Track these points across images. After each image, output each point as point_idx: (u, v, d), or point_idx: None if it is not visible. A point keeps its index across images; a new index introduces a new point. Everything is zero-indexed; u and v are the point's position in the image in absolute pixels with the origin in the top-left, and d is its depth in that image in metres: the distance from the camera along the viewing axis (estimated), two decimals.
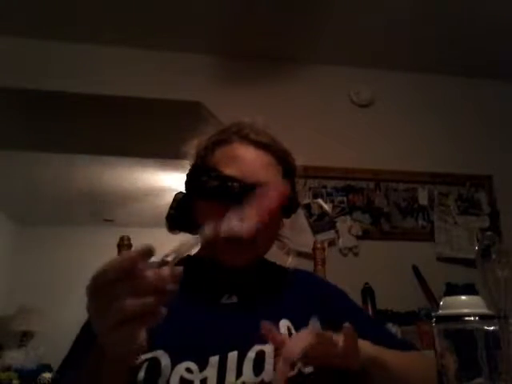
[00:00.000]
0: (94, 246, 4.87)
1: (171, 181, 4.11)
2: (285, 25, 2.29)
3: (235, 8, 2.17)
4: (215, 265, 0.79)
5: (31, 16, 2.20)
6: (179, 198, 0.86)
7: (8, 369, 3.98)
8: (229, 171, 0.76)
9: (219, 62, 2.48)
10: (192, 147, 0.86)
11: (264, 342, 0.69)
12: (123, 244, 1.09)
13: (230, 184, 0.74)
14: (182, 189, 0.89)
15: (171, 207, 0.86)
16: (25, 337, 4.70)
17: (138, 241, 1.05)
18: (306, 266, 0.96)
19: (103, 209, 4.88)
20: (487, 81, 2.67)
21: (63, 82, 2.33)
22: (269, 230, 0.79)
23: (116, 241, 1.09)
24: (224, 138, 0.82)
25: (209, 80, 2.44)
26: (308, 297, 0.83)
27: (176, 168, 3.80)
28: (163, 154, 3.24)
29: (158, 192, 4.40)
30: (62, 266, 4.95)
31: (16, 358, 4.18)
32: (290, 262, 0.88)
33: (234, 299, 0.78)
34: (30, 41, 2.32)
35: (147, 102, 2.43)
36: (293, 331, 0.74)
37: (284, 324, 0.75)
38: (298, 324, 0.74)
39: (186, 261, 0.82)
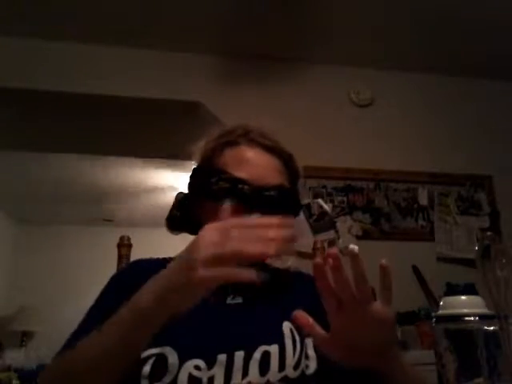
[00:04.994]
0: (93, 245, 4.88)
1: (171, 181, 4.11)
2: (285, 25, 2.29)
3: (235, 8, 2.17)
4: None
5: (31, 16, 2.20)
6: (181, 198, 0.86)
7: (8, 369, 3.97)
8: (238, 173, 0.77)
9: (219, 61, 2.48)
10: (198, 148, 0.87)
11: (269, 342, 0.71)
12: (123, 244, 1.08)
13: (240, 186, 0.76)
14: (183, 188, 0.88)
15: (173, 207, 0.86)
16: (25, 337, 4.70)
17: (138, 241, 1.05)
18: (306, 265, 0.95)
19: (103, 209, 4.88)
20: (487, 81, 2.67)
21: (63, 82, 2.33)
22: None
23: (116, 241, 1.09)
24: (231, 139, 0.83)
25: (209, 80, 2.44)
26: (309, 301, 0.83)
27: (176, 168, 3.81)
28: (163, 153, 3.25)
29: (157, 192, 4.40)
30: (62, 266, 4.95)
31: (16, 358, 4.17)
32: (292, 262, 0.88)
33: (239, 300, 0.79)
34: (30, 41, 2.32)
35: (147, 101, 2.43)
36: (295, 333, 0.75)
37: (287, 326, 0.75)
38: (302, 329, 0.75)
39: None
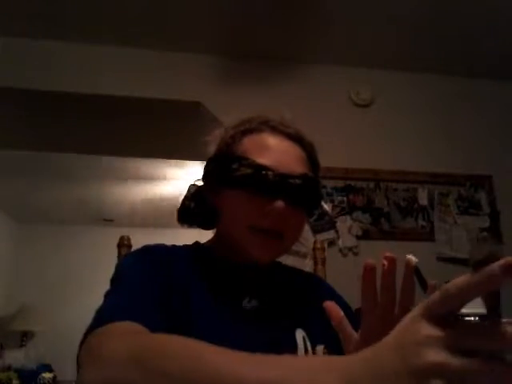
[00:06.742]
0: (93, 245, 4.88)
1: (170, 180, 4.11)
2: (284, 25, 2.29)
3: (235, 8, 2.17)
4: (236, 264, 0.77)
5: (31, 16, 2.19)
6: (195, 190, 0.83)
7: (8, 369, 3.98)
8: (261, 160, 0.73)
9: (219, 61, 2.48)
10: (214, 137, 0.83)
11: (283, 351, 0.68)
12: (123, 244, 1.08)
13: (263, 173, 0.72)
14: (185, 186, 0.87)
15: (186, 198, 0.84)
16: (25, 337, 4.70)
17: (138, 241, 1.05)
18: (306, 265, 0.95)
19: (103, 209, 4.88)
20: (487, 81, 2.67)
21: (63, 82, 2.33)
22: (296, 227, 0.78)
23: (116, 241, 1.09)
24: (252, 126, 0.79)
25: (209, 80, 2.44)
26: (319, 307, 0.83)
27: (176, 167, 3.81)
28: (163, 153, 3.25)
29: (157, 192, 4.39)
30: (62, 266, 4.96)
31: (16, 357, 4.18)
32: (308, 264, 0.87)
33: (255, 303, 0.76)
34: (30, 41, 2.32)
35: (147, 101, 2.43)
36: (307, 341, 0.73)
37: (300, 333, 0.74)
38: (313, 335, 0.74)
39: (205, 258, 0.81)
